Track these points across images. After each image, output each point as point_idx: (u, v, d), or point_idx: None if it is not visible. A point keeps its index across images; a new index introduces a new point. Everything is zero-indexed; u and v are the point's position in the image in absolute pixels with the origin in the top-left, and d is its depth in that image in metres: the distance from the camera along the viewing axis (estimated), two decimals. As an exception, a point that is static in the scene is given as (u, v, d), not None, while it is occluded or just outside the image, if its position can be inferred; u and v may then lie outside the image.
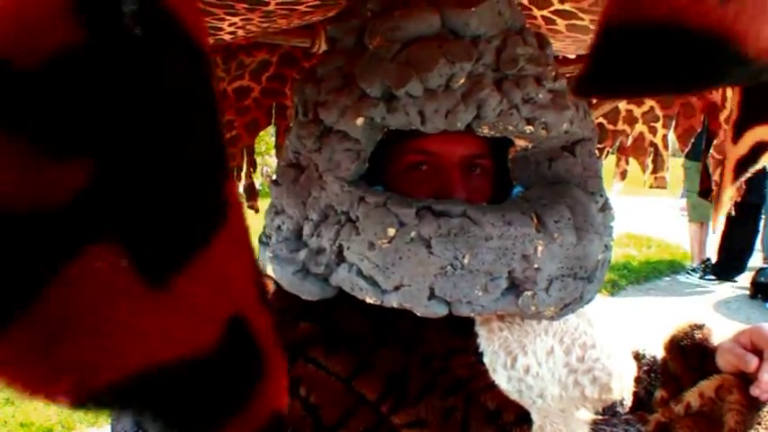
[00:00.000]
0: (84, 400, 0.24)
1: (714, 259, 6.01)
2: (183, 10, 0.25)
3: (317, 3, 0.88)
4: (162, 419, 0.26)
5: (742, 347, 0.74)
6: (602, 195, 0.81)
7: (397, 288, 0.71)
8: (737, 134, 0.53)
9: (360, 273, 0.73)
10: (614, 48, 0.26)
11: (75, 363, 0.24)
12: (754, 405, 0.71)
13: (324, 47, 1.05)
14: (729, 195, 0.64)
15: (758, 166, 0.56)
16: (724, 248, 5.84)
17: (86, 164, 0.23)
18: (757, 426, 0.70)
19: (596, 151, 0.86)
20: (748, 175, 0.57)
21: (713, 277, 5.88)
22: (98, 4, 0.23)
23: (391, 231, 0.70)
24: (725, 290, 5.66)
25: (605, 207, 0.81)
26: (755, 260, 5.98)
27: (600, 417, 0.80)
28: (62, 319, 0.23)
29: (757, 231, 5.91)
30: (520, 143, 0.79)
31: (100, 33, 0.23)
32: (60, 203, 0.23)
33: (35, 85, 0.22)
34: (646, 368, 0.92)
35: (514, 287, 0.72)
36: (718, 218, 0.73)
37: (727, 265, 5.86)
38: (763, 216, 5.84)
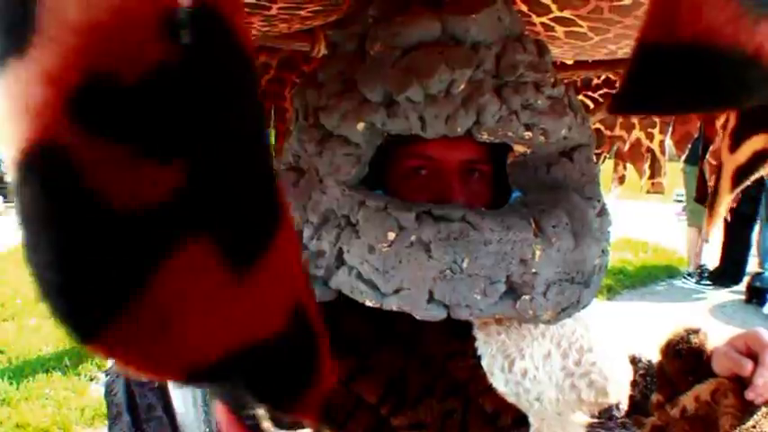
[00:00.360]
0: (185, 377, 0.28)
1: (710, 265, 6.03)
2: (233, 17, 0.27)
3: (319, 8, 0.89)
4: (250, 392, 0.30)
5: (737, 352, 0.74)
6: (599, 201, 0.82)
7: (396, 291, 0.72)
8: (736, 143, 0.54)
9: (359, 276, 0.73)
10: (650, 67, 0.27)
11: (182, 344, 0.27)
12: (748, 409, 0.72)
13: (323, 51, 1.05)
14: (726, 204, 0.65)
15: (756, 175, 0.56)
16: (723, 256, 5.86)
17: (183, 165, 0.25)
18: (752, 429, 0.70)
19: (594, 157, 0.87)
20: (746, 184, 0.57)
21: (709, 283, 5.89)
22: (184, 24, 0.25)
23: (391, 235, 0.71)
24: (721, 295, 5.67)
25: (602, 212, 0.82)
26: (751, 265, 5.99)
27: (596, 420, 0.81)
28: (165, 306, 0.26)
29: (750, 243, 5.93)
30: (518, 149, 0.80)
31: (189, 50, 0.25)
32: (162, 201, 0.25)
33: (135, 98, 0.24)
34: (642, 372, 0.93)
35: (513, 291, 0.73)
36: (712, 226, 0.74)
37: (724, 273, 5.88)
38: (757, 223, 5.86)
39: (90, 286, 0.25)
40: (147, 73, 0.24)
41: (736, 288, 5.76)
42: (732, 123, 0.56)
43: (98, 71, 0.24)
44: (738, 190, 0.58)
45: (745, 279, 5.73)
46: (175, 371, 0.27)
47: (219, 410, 0.38)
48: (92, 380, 3.41)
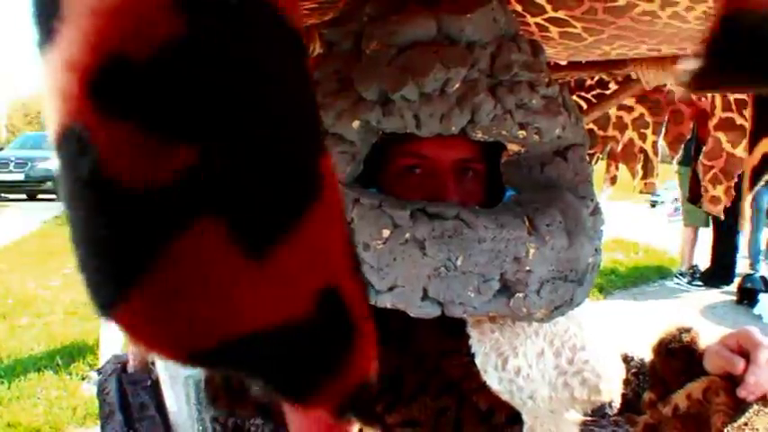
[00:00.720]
0: (195, 359, 0.27)
1: (702, 266, 6.05)
2: None
3: (315, 5, 0.89)
4: (261, 379, 0.29)
5: (730, 350, 0.75)
6: (592, 200, 0.83)
7: (390, 289, 0.72)
8: (752, 145, 0.55)
9: (354, 273, 0.74)
10: (731, 39, 0.26)
11: (186, 325, 0.26)
12: (740, 407, 0.73)
13: (318, 50, 1.06)
14: (749, 203, 0.66)
15: None
16: (714, 257, 5.90)
17: (195, 144, 0.25)
18: (743, 426, 0.71)
19: (587, 156, 0.87)
20: (762, 183, 0.59)
21: (701, 284, 5.92)
22: None
23: (386, 233, 0.71)
24: (712, 295, 5.70)
25: (595, 211, 0.82)
26: (742, 266, 6.02)
27: (589, 418, 0.81)
28: (175, 285, 0.26)
29: (738, 245, 5.96)
30: (512, 148, 0.80)
31: (199, 24, 0.25)
32: (174, 180, 0.25)
33: (145, 76, 0.24)
34: (634, 370, 0.93)
35: (506, 289, 0.73)
36: (745, 224, 0.74)
37: (715, 274, 5.91)
38: (742, 229, 5.89)
39: (104, 261, 0.26)
40: (158, 50, 0.24)
41: (727, 289, 5.79)
42: (749, 126, 0.57)
43: (114, 52, 0.24)
44: (756, 189, 0.59)
45: (737, 280, 5.76)
46: (176, 350, 0.27)
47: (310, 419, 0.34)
48: (83, 379, 3.40)
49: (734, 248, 5.98)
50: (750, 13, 0.26)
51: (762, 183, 0.60)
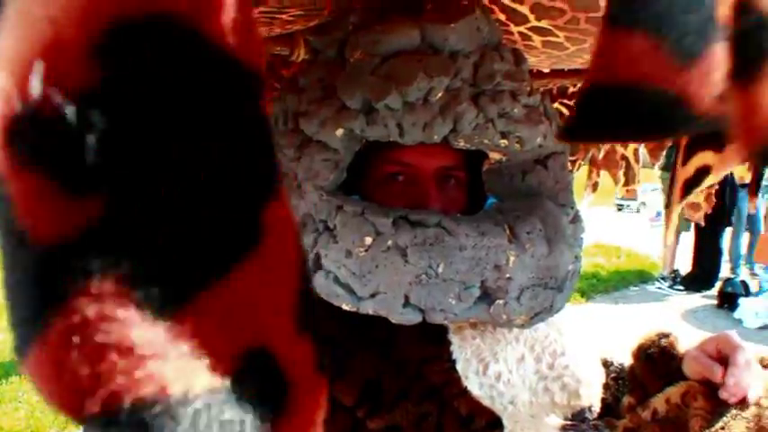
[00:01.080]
0: (93, 421, 0.25)
1: (683, 271, 6.11)
2: (203, 22, 0.26)
3: (300, 12, 0.89)
4: None
5: (708, 355, 0.76)
6: (572, 208, 0.84)
7: (372, 295, 0.72)
8: (686, 157, 0.58)
9: (336, 280, 0.74)
10: (596, 103, 0.32)
11: (84, 384, 0.25)
12: (717, 411, 0.74)
13: (303, 55, 1.06)
14: (677, 212, 0.69)
15: (701, 188, 0.63)
16: (696, 261, 5.95)
17: (100, 196, 0.25)
18: (721, 430, 0.72)
19: (568, 164, 0.89)
20: (691, 195, 0.62)
21: (682, 288, 5.98)
22: (117, 46, 0.24)
23: (368, 240, 0.72)
24: (692, 300, 5.75)
25: (576, 219, 0.84)
26: (723, 271, 6.08)
27: (569, 422, 0.82)
28: (72, 342, 0.25)
29: (721, 249, 6.02)
30: (494, 156, 0.81)
31: (113, 75, 0.24)
32: (77, 234, 0.24)
33: (56, 125, 0.24)
34: (614, 375, 0.94)
35: (487, 296, 0.74)
36: (668, 232, 0.77)
37: (696, 278, 5.97)
38: (725, 233, 5.96)
39: (17, 306, 0.26)
40: (71, 99, 0.24)
41: (707, 293, 5.84)
42: (684, 140, 0.60)
43: (27, 100, 0.24)
44: (686, 200, 0.62)
45: (717, 284, 5.82)
46: (73, 410, 0.25)
47: None
48: (65, 382, 3.38)
49: (717, 252, 6.04)
50: (611, 86, 0.31)
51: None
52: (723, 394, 0.73)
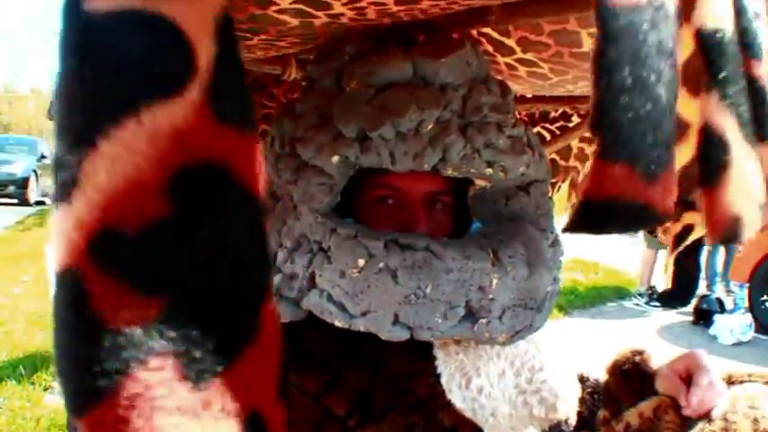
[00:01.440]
0: None
1: (660, 288, 6.16)
2: (240, 164, 0.36)
3: (297, 40, 0.94)
4: None
5: (677, 374, 0.81)
6: (552, 232, 0.88)
7: (364, 314, 0.76)
8: (678, 216, 0.73)
9: (330, 298, 0.77)
10: (590, 210, 0.44)
11: None
12: (686, 424, 0.79)
13: (294, 75, 1.10)
14: (673, 258, 0.83)
15: (687, 242, 0.75)
16: (674, 279, 6.01)
17: (162, 298, 0.34)
18: None
19: (549, 190, 0.93)
20: (681, 248, 0.76)
21: (658, 304, 6.04)
22: (183, 185, 0.33)
23: (361, 262, 0.75)
24: (668, 316, 5.81)
25: (555, 243, 0.88)
26: (699, 288, 6.14)
27: (546, 435, 0.86)
28: (126, 408, 0.33)
29: (700, 267, 6.10)
30: (479, 183, 0.85)
31: (182, 208, 0.34)
32: (141, 324, 0.33)
33: (135, 246, 0.33)
34: (589, 390, 0.98)
35: (471, 315, 0.77)
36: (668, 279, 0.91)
37: (673, 295, 6.03)
38: (705, 248, 6.02)
39: (76, 375, 0.33)
40: (148, 226, 0.33)
41: (683, 309, 5.91)
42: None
43: (110, 223, 0.32)
44: (677, 251, 0.74)
45: (693, 301, 5.88)
46: None
47: None
48: (46, 389, 3.37)
49: (696, 270, 6.10)
50: (598, 198, 0.43)
51: (681, 248, 0.75)
52: (686, 411, 0.78)
